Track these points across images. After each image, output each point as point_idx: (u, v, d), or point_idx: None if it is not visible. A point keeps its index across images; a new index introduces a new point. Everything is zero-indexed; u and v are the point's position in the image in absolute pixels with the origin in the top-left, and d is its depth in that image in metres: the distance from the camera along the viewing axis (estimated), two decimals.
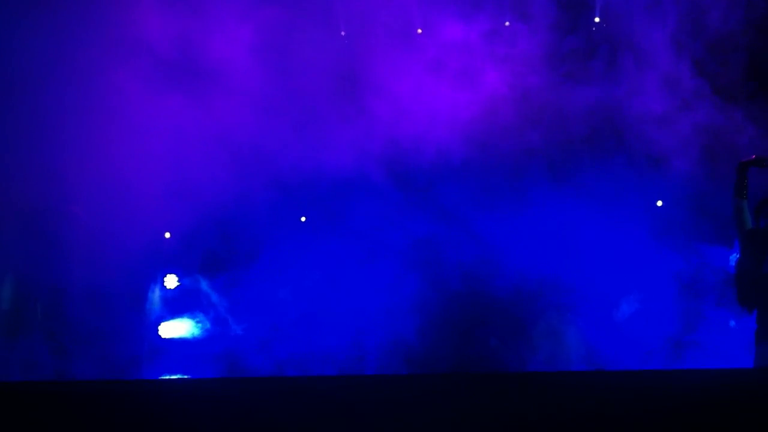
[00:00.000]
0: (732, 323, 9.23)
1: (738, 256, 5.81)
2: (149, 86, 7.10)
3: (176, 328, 11.06)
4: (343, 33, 9.65)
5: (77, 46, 6.83)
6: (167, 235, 11.27)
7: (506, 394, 3.74)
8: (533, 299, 9.87)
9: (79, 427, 3.72)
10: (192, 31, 7.58)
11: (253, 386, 4.16)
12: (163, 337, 11.01)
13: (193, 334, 10.99)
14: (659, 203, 10.48)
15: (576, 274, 9.89)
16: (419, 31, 9.74)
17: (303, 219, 11.26)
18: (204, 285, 11.21)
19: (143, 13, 7.19)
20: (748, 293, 5.65)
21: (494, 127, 9.38)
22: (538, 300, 9.92)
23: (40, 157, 6.43)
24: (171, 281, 11.26)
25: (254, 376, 10.18)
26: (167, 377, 10.49)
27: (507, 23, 9.60)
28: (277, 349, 10.50)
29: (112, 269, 11.09)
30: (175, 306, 11.25)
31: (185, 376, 10.47)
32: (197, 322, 11.04)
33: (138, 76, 7.04)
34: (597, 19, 9.56)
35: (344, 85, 8.97)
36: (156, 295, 11.19)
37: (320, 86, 8.74)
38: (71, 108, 6.70)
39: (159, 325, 11.06)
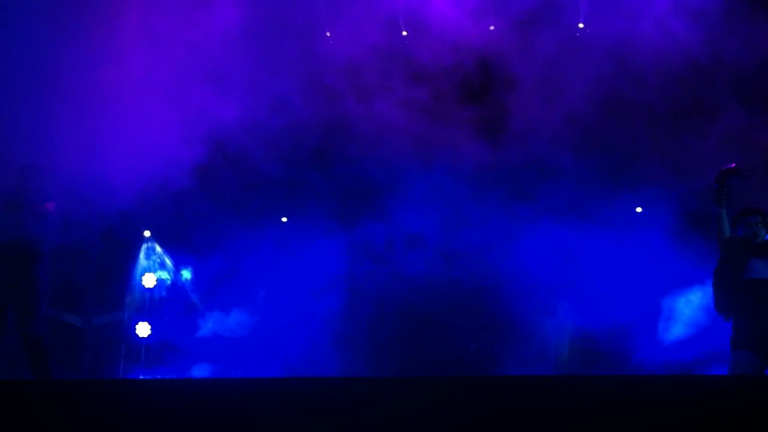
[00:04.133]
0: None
1: (716, 264, 5.84)
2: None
3: (153, 328, 10.99)
4: (328, 34, 9.66)
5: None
6: (147, 233, 11.21)
7: (486, 398, 3.76)
8: (513, 302, 9.90)
9: (59, 427, 3.70)
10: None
11: (235, 386, 4.16)
12: (140, 336, 10.94)
13: (170, 332, 10.93)
14: (638, 209, 10.53)
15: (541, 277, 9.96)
16: (404, 33, 9.76)
17: (284, 219, 11.23)
18: (182, 283, 11.16)
19: None
20: (726, 301, 5.68)
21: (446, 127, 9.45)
22: (518, 303, 9.95)
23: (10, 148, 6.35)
24: (149, 280, 11.19)
25: (231, 375, 10.16)
26: (144, 378, 10.41)
27: (492, 27, 9.62)
28: (256, 347, 10.47)
29: (89, 266, 11.03)
30: (154, 305, 11.18)
31: (162, 377, 10.41)
32: (176, 320, 10.99)
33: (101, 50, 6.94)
34: (581, 25, 9.58)
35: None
36: (134, 292, 11.13)
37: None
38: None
39: (136, 324, 10.99)
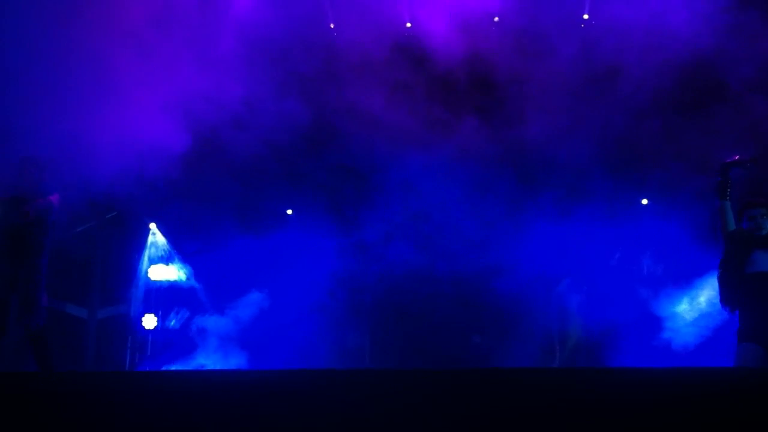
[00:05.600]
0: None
1: (721, 257, 5.80)
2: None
3: (159, 321, 11.02)
4: (332, 26, 9.65)
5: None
6: (152, 225, 11.23)
7: (488, 390, 3.75)
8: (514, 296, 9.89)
9: (61, 420, 3.71)
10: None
11: (238, 378, 4.16)
12: (146, 328, 10.97)
13: (175, 326, 10.96)
14: (644, 201, 10.50)
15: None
16: (408, 24, 9.73)
17: (289, 212, 11.24)
18: (188, 277, 11.18)
19: None
20: (731, 293, 5.65)
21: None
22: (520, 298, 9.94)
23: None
24: (155, 273, 11.21)
25: (234, 367, 10.19)
26: (149, 370, 10.45)
27: (496, 18, 9.58)
28: (259, 340, 10.50)
29: (94, 259, 11.06)
30: (159, 297, 11.22)
31: (168, 368, 10.44)
32: (179, 313, 11.01)
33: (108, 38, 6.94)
34: (586, 16, 9.53)
35: None
36: (139, 285, 11.17)
37: None
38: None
39: (142, 316, 11.02)
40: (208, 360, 10.48)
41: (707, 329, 9.16)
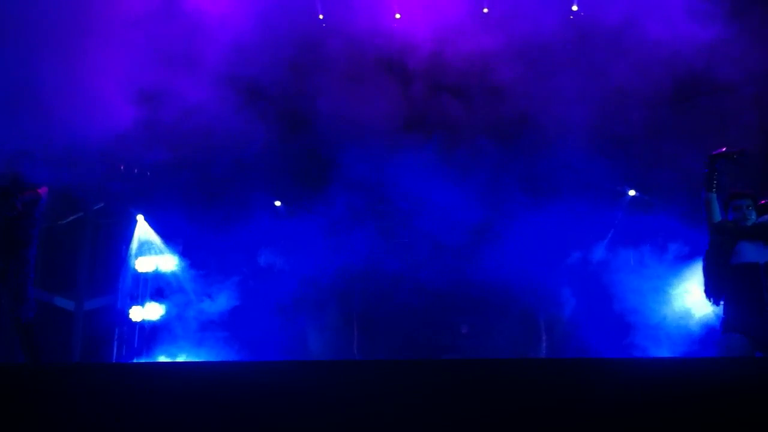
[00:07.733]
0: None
1: (706, 248, 5.83)
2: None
3: (146, 312, 10.99)
4: (321, 17, 9.64)
5: None
6: (139, 216, 11.19)
7: (476, 380, 3.77)
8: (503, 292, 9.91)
9: (49, 412, 3.70)
10: None
11: (228, 370, 4.17)
12: (133, 320, 10.95)
13: (162, 317, 10.94)
14: (632, 192, 10.54)
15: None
16: (397, 16, 9.71)
17: (277, 203, 11.23)
18: (176, 269, 11.14)
19: None
20: (715, 285, 5.67)
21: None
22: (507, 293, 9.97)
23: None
24: (142, 265, 11.18)
25: (224, 358, 10.19)
26: (137, 362, 10.43)
27: (485, 10, 9.57)
28: (252, 334, 10.50)
29: (81, 250, 11.01)
30: (146, 289, 11.19)
31: (156, 360, 10.43)
32: (168, 305, 10.98)
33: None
34: (575, 8, 9.52)
35: None
36: (127, 278, 11.13)
37: None
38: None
39: (130, 308, 10.99)
40: (193, 351, 10.47)
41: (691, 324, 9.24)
